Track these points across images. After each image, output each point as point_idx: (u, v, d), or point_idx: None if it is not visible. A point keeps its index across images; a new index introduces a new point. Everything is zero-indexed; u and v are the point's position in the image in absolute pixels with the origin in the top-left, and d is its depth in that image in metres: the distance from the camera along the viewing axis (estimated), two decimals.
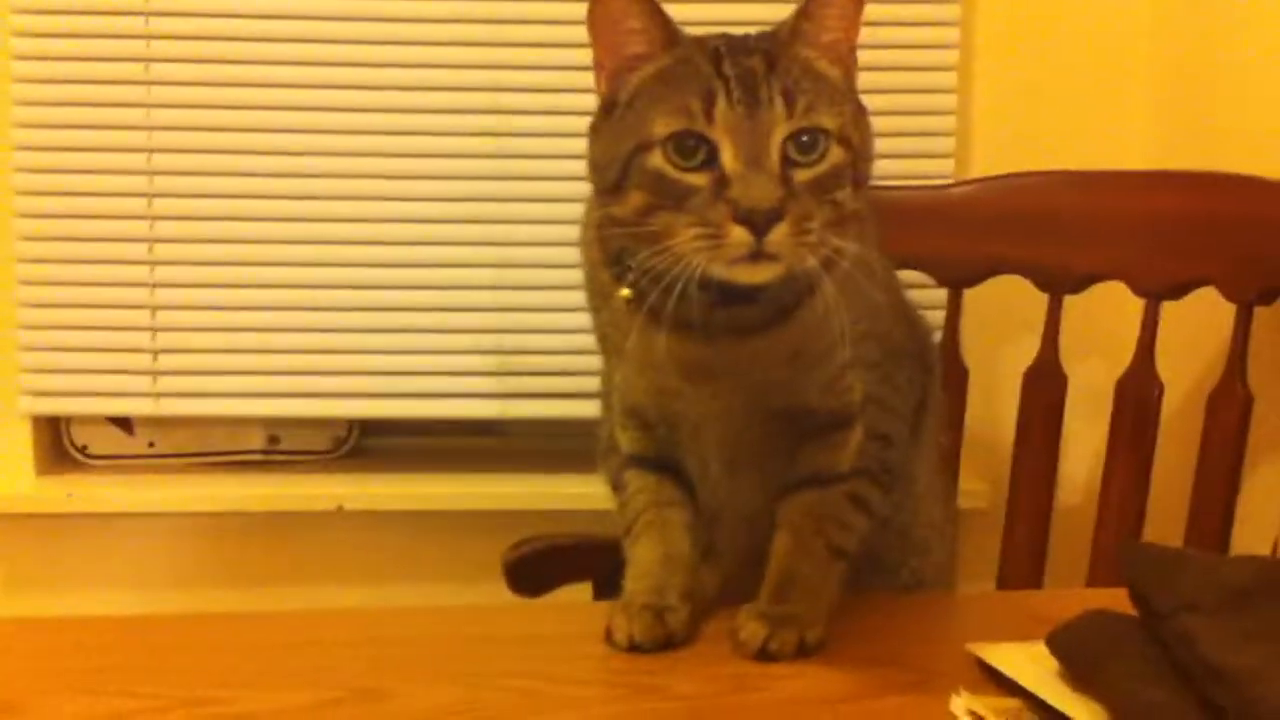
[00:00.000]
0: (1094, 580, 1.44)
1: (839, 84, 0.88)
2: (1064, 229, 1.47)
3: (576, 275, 1.73)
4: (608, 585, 1.40)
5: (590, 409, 1.76)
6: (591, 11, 0.89)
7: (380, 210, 1.77)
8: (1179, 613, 0.76)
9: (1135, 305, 1.45)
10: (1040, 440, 1.48)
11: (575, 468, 1.81)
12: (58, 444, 1.87)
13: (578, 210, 1.72)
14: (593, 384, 1.77)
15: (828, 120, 0.85)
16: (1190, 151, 1.72)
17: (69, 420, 1.86)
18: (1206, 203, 1.43)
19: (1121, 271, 1.43)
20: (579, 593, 1.41)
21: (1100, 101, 1.81)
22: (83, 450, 1.86)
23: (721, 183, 0.83)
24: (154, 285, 1.76)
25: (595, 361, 1.74)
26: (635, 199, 0.86)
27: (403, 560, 1.84)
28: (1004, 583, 1.49)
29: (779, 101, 0.84)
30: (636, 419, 1.02)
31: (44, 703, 0.83)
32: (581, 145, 1.70)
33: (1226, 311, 1.38)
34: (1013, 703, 0.79)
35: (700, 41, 0.88)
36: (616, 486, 1.07)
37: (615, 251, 0.93)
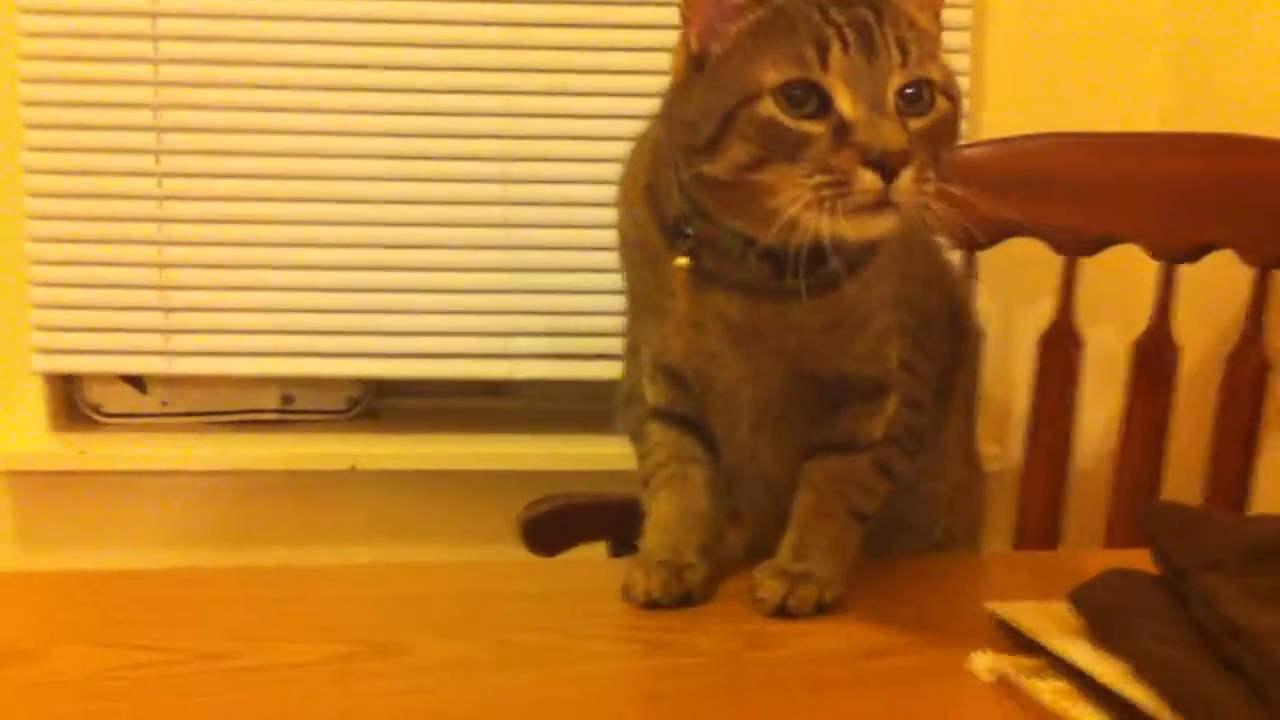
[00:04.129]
0: (1110, 543, 1.44)
1: (936, 37, 0.87)
2: (1079, 191, 1.46)
3: (585, 236, 1.76)
4: (623, 544, 1.41)
5: (598, 370, 1.79)
6: None
7: (391, 169, 1.76)
8: (1200, 571, 0.76)
9: (1151, 268, 1.44)
10: (1056, 404, 1.48)
11: (587, 428, 1.82)
12: (71, 402, 1.88)
13: (585, 170, 1.75)
14: (601, 345, 1.79)
15: (935, 72, 0.83)
16: (1206, 113, 1.71)
17: (82, 379, 1.86)
18: (1223, 165, 1.42)
19: (1137, 234, 1.43)
20: (594, 552, 1.41)
21: (1114, 63, 1.80)
22: (96, 409, 1.87)
23: (842, 130, 0.80)
24: (164, 243, 1.76)
25: (603, 323, 1.77)
26: (738, 153, 0.82)
27: (416, 520, 1.84)
28: (1020, 544, 1.49)
29: (894, 50, 0.81)
30: (668, 374, 1.02)
31: (60, 653, 0.83)
32: (592, 105, 1.73)
33: (1243, 274, 1.38)
34: (1034, 661, 0.79)
35: None
36: (636, 436, 1.06)
37: (672, 217, 0.91)
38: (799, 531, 0.95)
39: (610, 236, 1.77)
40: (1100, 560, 0.88)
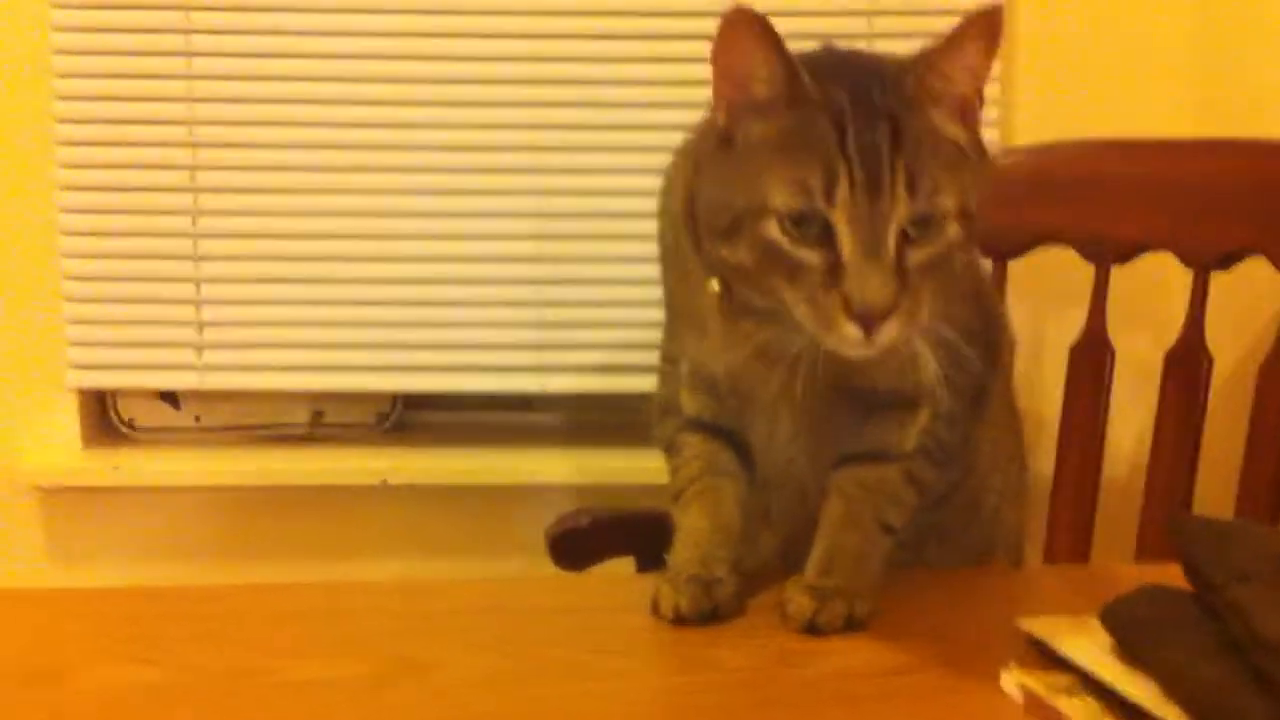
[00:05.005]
0: (1141, 555, 1.42)
1: (965, 146, 0.86)
2: (1110, 198, 1.45)
3: (615, 248, 1.76)
4: (650, 559, 1.41)
5: (628, 384, 1.79)
6: (719, 40, 0.85)
7: (422, 183, 1.77)
8: (1232, 583, 0.75)
9: (1183, 276, 1.43)
10: (1087, 413, 1.47)
11: (616, 442, 1.82)
12: (104, 417, 1.89)
13: (617, 182, 1.75)
14: (630, 358, 1.80)
15: (949, 200, 0.83)
16: (1238, 118, 1.69)
17: (115, 394, 1.88)
18: (1256, 170, 1.40)
19: (1169, 241, 1.41)
20: (622, 566, 1.41)
21: (1145, 67, 1.79)
22: (129, 424, 1.88)
23: (836, 269, 0.81)
24: (198, 259, 1.77)
25: (633, 335, 1.77)
26: (746, 256, 0.85)
27: (445, 534, 1.85)
28: (1050, 557, 1.48)
29: (901, 186, 0.81)
30: (708, 385, 1.02)
31: (91, 672, 0.84)
32: (623, 116, 1.73)
33: (1277, 282, 1.36)
34: (1065, 678, 0.78)
35: (826, 96, 0.84)
36: (671, 449, 1.05)
37: (706, 246, 0.91)
38: (827, 544, 0.95)
39: (642, 249, 1.77)
40: (1132, 574, 0.87)
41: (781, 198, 0.82)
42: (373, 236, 1.77)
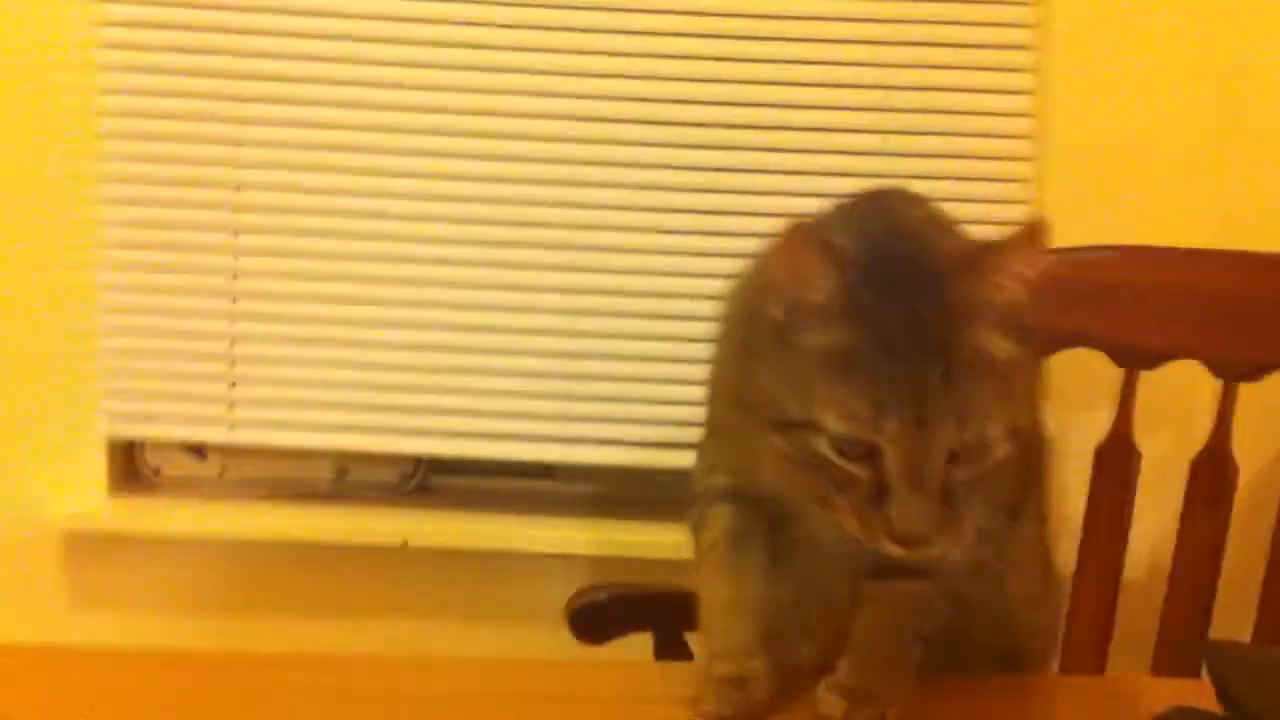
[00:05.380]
0: (1160, 660, 1.43)
1: (1015, 361, 0.87)
2: (1140, 305, 1.46)
3: (643, 326, 1.78)
4: (669, 637, 1.41)
5: (653, 457, 1.80)
6: (779, 247, 0.87)
7: (456, 255, 1.79)
8: (1267, 714, 0.76)
9: (1211, 382, 1.44)
10: (1111, 516, 1.47)
11: (636, 516, 1.83)
12: (131, 465, 1.91)
13: (648, 262, 1.77)
14: (655, 434, 1.81)
15: (997, 427, 0.85)
16: (1265, 231, 1.70)
17: (144, 443, 1.89)
18: None
19: (1200, 351, 1.43)
20: (640, 642, 1.41)
21: (1177, 175, 1.80)
22: (155, 472, 1.90)
23: (881, 491, 0.83)
24: (234, 316, 1.79)
25: (659, 411, 1.79)
26: (796, 454, 0.86)
27: (464, 599, 1.85)
28: (1067, 658, 1.47)
29: (950, 420, 0.82)
30: (752, 486, 1.00)
31: None
32: (659, 199, 1.76)
33: None
34: None
35: (879, 316, 0.84)
36: (697, 526, 1.04)
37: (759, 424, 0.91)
38: (861, 647, 0.95)
39: (670, 328, 1.80)
40: (1159, 691, 0.88)
41: (832, 420, 0.83)
42: (405, 303, 1.79)
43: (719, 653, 0.96)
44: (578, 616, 1.42)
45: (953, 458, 0.83)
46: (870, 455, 0.83)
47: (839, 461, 0.84)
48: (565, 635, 1.40)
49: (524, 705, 0.96)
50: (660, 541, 1.73)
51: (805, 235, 0.86)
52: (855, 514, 0.84)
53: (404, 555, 1.81)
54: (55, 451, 1.83)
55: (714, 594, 0.99)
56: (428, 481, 1.95)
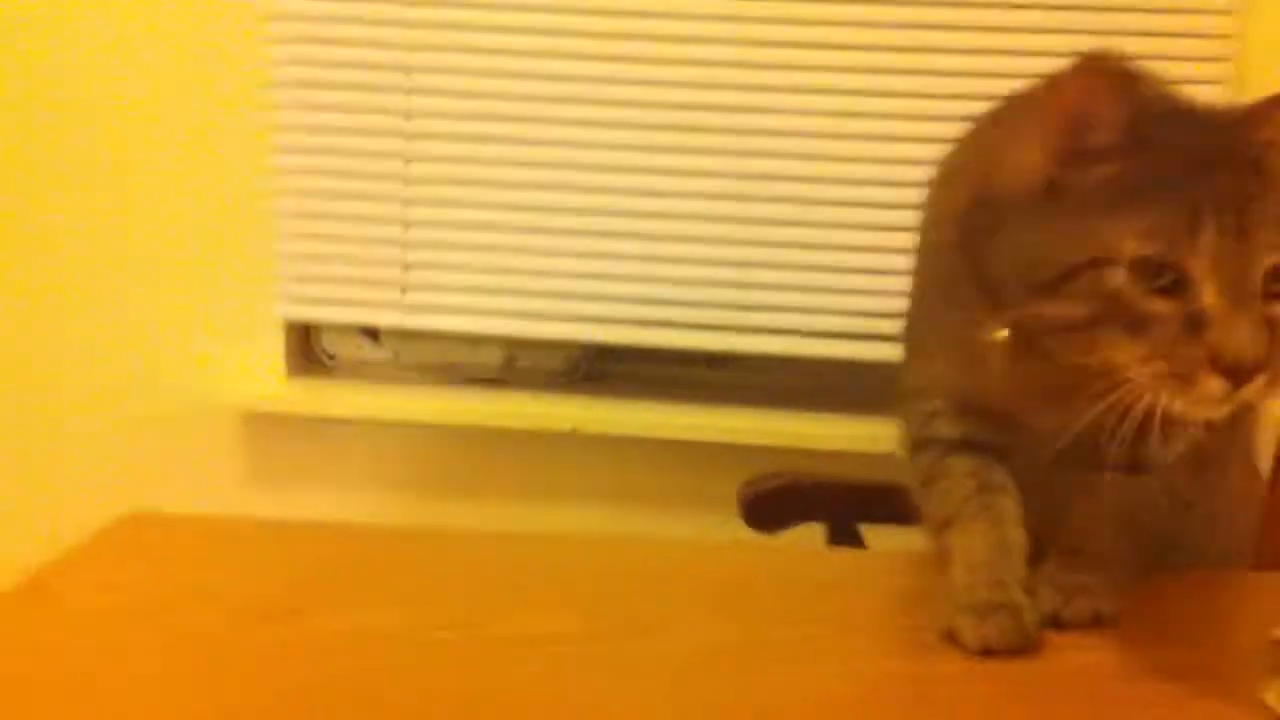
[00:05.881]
0: None
1: None
2: None
3: (819, 212, 1.74)
4: (842, 529, 1.39)
5: (824, 348, 1.77)
6: (1063, 86, 0.80)
7: (630, 139, 1.77)
8: None
9: None
10: None
11: (807, 406, 1.81)
12: (307, 349, 1.94)
13: (825, 147, 1.72)
14: (828, 324, 1.77)
15: None
16: None
17: (320, 328, 1.92)
18: None
19: None
20: (812, 533, 1.39)
21: None
22: (331, 356, 1.93)
23: (1196, 319, 0.75)
24: (408, 201, 1.80)
25: (832, 301, 1.75)
26: (1076, 310, 0.78)
27: (632, 485, 1.86)
28: (1261, 561, 1.41)
29: (1269, 231, 0.75)
30: (973, 410, 0.95)
31: (327, 613, 0.85)
32: (834, 80, 1.70)
33: None
34: None
35: (1175, 139, 0.78)
36: (932, 478, 0.97)
37: (992, 284, 0.84)
38: (1076, 542, 0.91)
39: (845, 215, 1.76)
40: None
41: (1135, 243, 0.76)
42: (579, 189, 1.78)
43: (977, 583, 0.87)
44: (751, 504, 1.41)
45: (1271, 281, 0.75)
46: (1175, 286, 0.75)
47: (1139, 299, 0.76)
48: (735, 524, 1.39)
49: (698, 586, 0.94)
50: (829, 434, 1.71)
51: (1104, 67, 0.78)
52: (1160, 358, 0.75)
53: (573, 441, 1.81)
54: (235, 335, 1.87)
55: (972, 544, 0.91)
56: (596, 369, 1.95)
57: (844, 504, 1.41)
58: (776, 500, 1.42)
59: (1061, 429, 0.85)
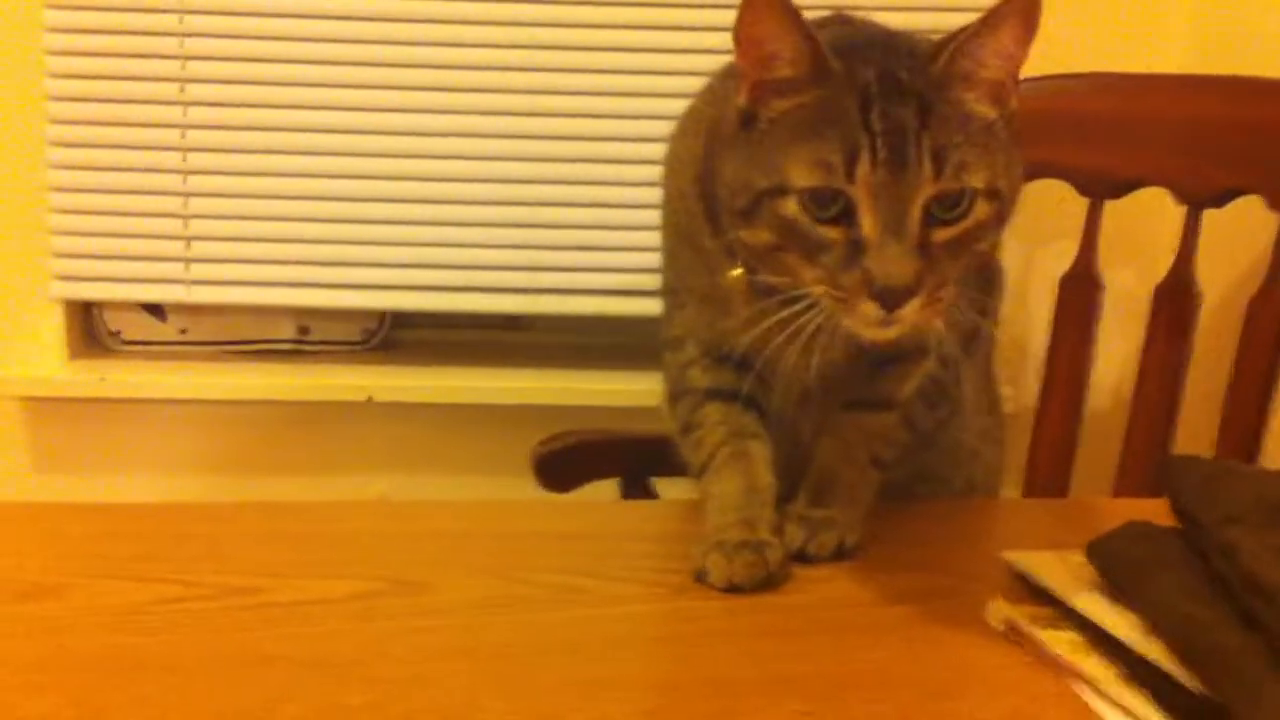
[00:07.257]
0: (1121, 486, 1.44)
1: (996, 129, 0.82)
2: (1107, 134, 1.45)
3: (606, 170, 1.76)
4: (635, 484, 1.42)
5: (616, 305, 1.79)
6: (740, 21, 0.82)
7: (416, 101, 1.75)
8: (1221, 525, 0.76)
9: (1172, 211, 1.43)
10: (1074, 346, 1.47)
11: (603, 365, 1.83)
12: (90, 329, 1.89)
13: (612, 105, 1.73)
14: (620, 281, 1.79)
15: (977, 178, 0.80)
16: (1234, 56, 1.68)
17: (102, 306, 1.87)
18: (1251, 109, 1.40)
19: (1164, 178, 1.41)
20: (606, 489, 1.41)
21: (1145, 3, 1.77)
22: (115, 336, 1.87)
23: (856, 247, 0.79)
24: (187, 172, 1.75)
25: (624, 259, 1.77)
26: (764, 236, 0.82)
27: (430, 452, 1.86)
28: (1030, 488, 1.49)
29: (927, 163, 0.78)
30: (725, 359, 0.98)
31: (88, 587, 0.85)
32: (620, 38, 1.72)
33: (1267, 220, 1.37)
34: (1048, 611, 0.79)
35: (851, 72, 0.80)
36: (689, 427, 1.01)
37: (726, 227, 0.87)
38: (820, 478, 0.95)
39: (633, 173, 1.78)
40: (1116, 510, 0.88)
41: (801, 175, 0.80)
42: (363, 153, 1.76)
43: (727, 524, 0.91)
44: (543, 464, 1.41)
45: (931, 218, 0.79)
46: (843, 216, 0.79)
47: (809, 226, 0.80)
48: (531, 488, 1.40)
49: (495, 542, 0.96)
50: (627, 390, 1.73)
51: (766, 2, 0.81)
52: (829, 281, 0.80)
53: (369, 410, 1.80)
54: (12, 317, 1.81)
55: (723, 489, 0.95)
56: (392, 337, 1.94)
57: (634, 459, 1.43)
58: (566, 458, 1.43)
59: (804, 368, 0.90)
